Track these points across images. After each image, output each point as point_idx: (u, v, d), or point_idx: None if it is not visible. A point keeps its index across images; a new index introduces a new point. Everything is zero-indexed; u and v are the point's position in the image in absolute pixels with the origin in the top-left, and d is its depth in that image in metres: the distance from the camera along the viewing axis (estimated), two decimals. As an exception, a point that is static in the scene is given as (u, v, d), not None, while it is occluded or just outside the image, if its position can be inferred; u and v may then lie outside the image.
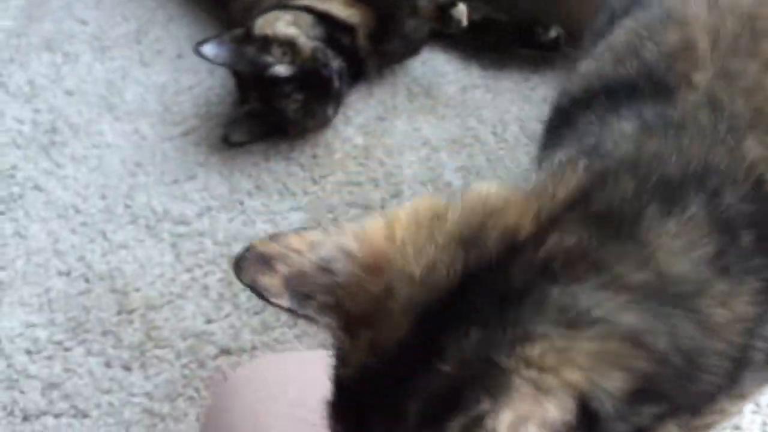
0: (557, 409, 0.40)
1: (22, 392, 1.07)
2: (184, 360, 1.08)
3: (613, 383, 0.42)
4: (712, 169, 0.49)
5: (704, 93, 0.52)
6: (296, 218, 1.23)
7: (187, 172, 1.32)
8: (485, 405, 0.40)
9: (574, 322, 0.43)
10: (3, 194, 1.31)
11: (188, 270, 1.18)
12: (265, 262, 0.48)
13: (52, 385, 1.07)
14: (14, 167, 1.35)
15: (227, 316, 1.13)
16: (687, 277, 0.47)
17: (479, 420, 0.39)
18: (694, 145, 0.50)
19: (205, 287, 1.16)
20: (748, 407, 1.00)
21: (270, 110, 1.30)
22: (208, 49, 1.28)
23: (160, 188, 1.29)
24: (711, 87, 0.53)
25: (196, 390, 1.05)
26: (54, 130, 1.40)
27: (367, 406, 0.47)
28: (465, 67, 1.43)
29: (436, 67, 1.44)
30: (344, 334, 0.49)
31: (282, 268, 0.48)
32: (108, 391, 1.06)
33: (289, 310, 0.49)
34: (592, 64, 0.65)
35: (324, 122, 1.33)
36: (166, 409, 1.04)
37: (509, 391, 0.40)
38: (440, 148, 1.31)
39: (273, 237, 0.49)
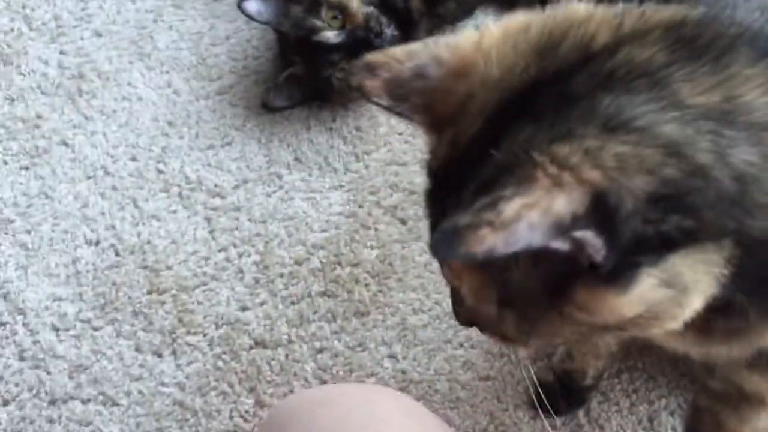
0: (566, 202, 0.43)
1: (48, 373, 1.03)
2: (218, 350, 1.04)
3: (636, 182, 0.45)
4: None
5: None
6: (337, 198, 1.17)
7: (223, 136, 1.24)
8: (507, 191, 0.44)
9: (615, 127, 0.46)
10: (28, 146, 1.24)
11: (223, 249, 1.13)
12: (371, 69, 0.55)
13: (80, 368, 1.04)
14: (39, 117, 1.27)
15: (262, 304, 1.08)
16: (761, 110, 0.48)
17: (495, 202, 0.43)
18: None
19: (240, 270, 1.11)
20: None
21: (314, 77, 1.21)
22: (252, 6, 1.18)
23: (194, 153, 1.22)
24: None
25: (230, 385, 1.02)
26: (81, 76, 1.31)
27: (445, 193, 0.52)
28: (523, 35, 1.33)
29: (491, 33, 1.34)
30: (432, 131, 0.55)
31: (383, 74, 0.54)
32: (138, 379, 1.03)
33: (387, 108, 0.56)
34: None
35: (371, 92, 1.24)
36: (198, 403, 1.01)
37: (530, 183, 0.44)
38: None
39: (379, 51, 0.56)
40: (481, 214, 0.43)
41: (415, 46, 0.56)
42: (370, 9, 1.19)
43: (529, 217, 0.42)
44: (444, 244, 0.43)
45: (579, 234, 0.44)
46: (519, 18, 0.55)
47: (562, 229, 0.44)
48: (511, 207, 0.43)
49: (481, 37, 0.54)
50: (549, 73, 0.50)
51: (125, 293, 1.09)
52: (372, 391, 0.76)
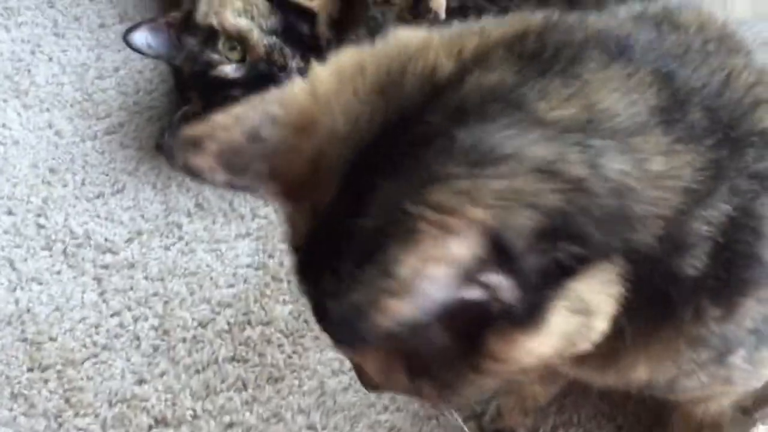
0: (463, 247, 0.39)
1: None
2: (112, 433, 0.92)
3: (520, 219, 0.41)
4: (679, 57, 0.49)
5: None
6: (244, 247, 1.06)
7: (113, 183, 1.11)
8: (393, 254, 0.39)
9: (480, 161, 0.42)
10: None
11: (115, 314, 1.01)
12: (195, 144, 0.48)
13: (-51, 467, 0.90)
14: None
15: (162, 375, 0.96)
16: (623, 114, 0.45)
17: (386, 269, 0.39)
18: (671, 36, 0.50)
19: (136, 337, 0.99)
20: None
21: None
22: (139, 38, 1.07)
23: (80, 204, 1.09)
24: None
25: (127, 476, 0.90)
26: (-53, 117, 1.16)
27: (318, 271, 0.47)
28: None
29: (404, 59, 1.26)
30: (287, 200, 0.50)
31: (212, 146, 0.48)
32: (19, 476, 0.90)
33: (226, 185, 0.49)
34: None
35: (277, 129, 1.14)
36: (90, 500, 0.88)
37: (415, 237, 0.40)
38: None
39: (200, 121, 0.50)
40: (375, 286, 0.39)
41: (240, 109, 0.50)
42: (273, 39, 1.09)
43: (428, 272, 0.38)
44: (347, 329, 0.39)
45: (487, 278, 0.41)
46: (349, 58, 0.50)
47: (468, 275, 0.40)
48: (405, 267, 0.38)
49: (313, 86, 0.49)
50: (396, 117, 0.46)
51: (1, 372, 0.96)
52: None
